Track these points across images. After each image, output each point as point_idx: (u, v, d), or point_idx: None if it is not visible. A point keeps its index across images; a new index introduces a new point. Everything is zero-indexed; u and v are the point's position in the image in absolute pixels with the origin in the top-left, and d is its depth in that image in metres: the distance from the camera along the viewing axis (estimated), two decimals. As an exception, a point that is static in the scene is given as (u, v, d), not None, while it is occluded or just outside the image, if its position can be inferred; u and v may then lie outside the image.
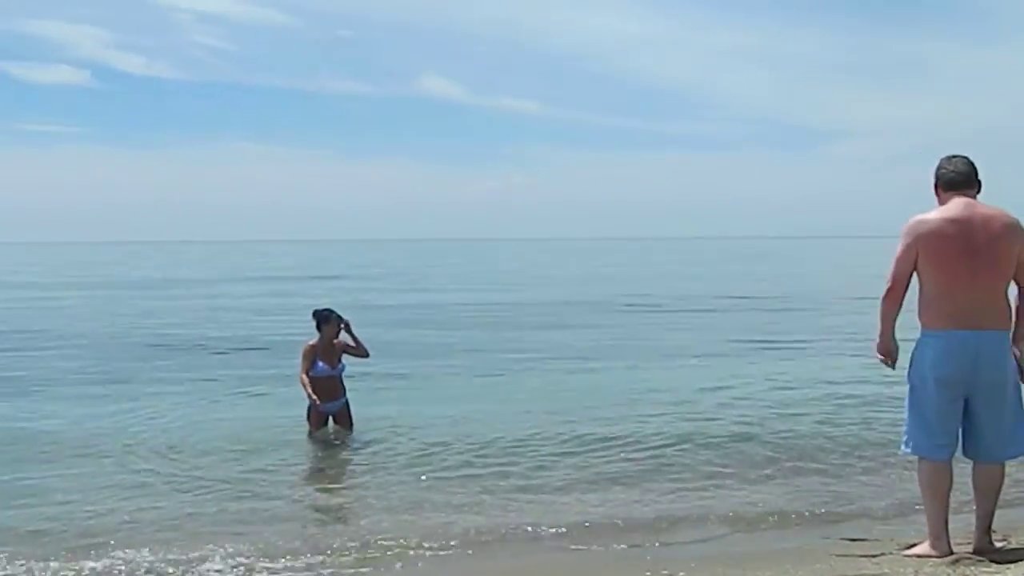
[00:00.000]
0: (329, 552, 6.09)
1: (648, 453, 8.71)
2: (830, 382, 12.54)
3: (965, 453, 5.28)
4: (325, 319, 9.24)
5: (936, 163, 5.30)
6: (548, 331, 20.69)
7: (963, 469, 5.32)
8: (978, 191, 5.21)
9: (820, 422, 9.97)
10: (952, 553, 5.13)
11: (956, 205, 5.11)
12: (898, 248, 5.16)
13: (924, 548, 5.27)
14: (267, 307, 26.92)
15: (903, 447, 5.40)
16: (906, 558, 5.26)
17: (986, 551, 5.18)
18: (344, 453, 9.08)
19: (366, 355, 9.46)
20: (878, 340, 5.38)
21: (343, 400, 9.42)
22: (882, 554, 5.49)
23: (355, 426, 9.45)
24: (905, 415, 5.35)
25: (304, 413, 9.35)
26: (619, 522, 6.68)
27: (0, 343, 18.25)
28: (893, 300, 5.21)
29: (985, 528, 5.27)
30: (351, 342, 9.35)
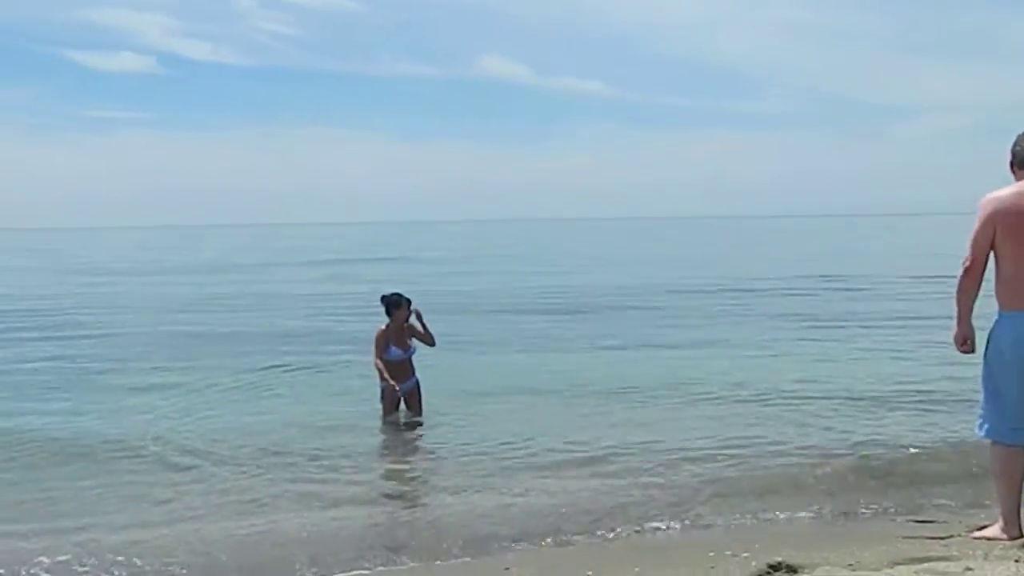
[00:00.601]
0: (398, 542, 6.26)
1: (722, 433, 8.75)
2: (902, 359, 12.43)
3: None
4: (396, 304, 9.48)
5: (1012, 139, 5.16)
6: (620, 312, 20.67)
7: None
8: None
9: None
10: (1022, 536, 5.08)
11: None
12: (975, 225, 5.05)
13: (994, 531, 5.22)
14: (333, 293, 27.00)
15: (978, 430, 5.34)
16: (975, 540, 5.23)
17: None
18: (414, 438, 9.25)
19: (432, 343, 9.64)
20: (955, 326, 5.27)
21: (413, 380, 9.64)
22: (950, 536, 5.46)
23: (425, 410, 9.66)
24: (981, 397, 5.28)
25: (378, 395, 9.62)
26: (676, 499, 6.77)
27: (73, 331, 18.50)
28: (972, 279, 5.10)
29: None
30: (420, 328, 9.56)
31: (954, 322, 5.27)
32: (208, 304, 24.33)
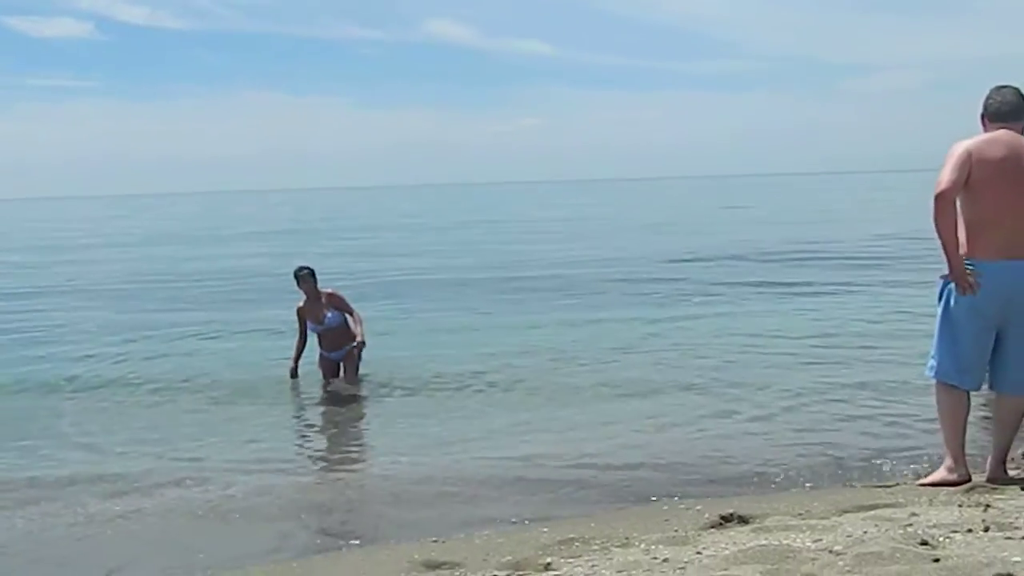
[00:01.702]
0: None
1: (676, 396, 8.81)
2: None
3: (991, 384, 5.30)
4: (295, 277, 9.44)
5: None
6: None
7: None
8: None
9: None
10: (970, 479, 5.20)
11: (1002, 135, 5.06)
12: (952, 159, 4.96)
13: (941, 475, 5.32)
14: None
15: (928, 371, 5.39)
16: (921, 487, 5.35)
17: (1000, 479, 5.23)
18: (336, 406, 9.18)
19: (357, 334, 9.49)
20: (949, 264, 5.07)
21: (348, 346, 9.47)
22: (896, 484, 5.59)
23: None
24: (934, 339, 5.31)
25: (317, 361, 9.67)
26: (626, 458, 6.80)
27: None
28: (947, 203, 4.94)
29: (1001, 458, 5.32)
30: (354, 314, 9.54)
31: (948, 253, 5.02)
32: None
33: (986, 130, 5.19)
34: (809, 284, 16.85)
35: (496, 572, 4.06)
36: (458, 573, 4.24)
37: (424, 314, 14.75)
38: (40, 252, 34.21)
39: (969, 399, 5.28)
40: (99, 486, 6.45)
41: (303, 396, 9.38)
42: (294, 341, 9.55)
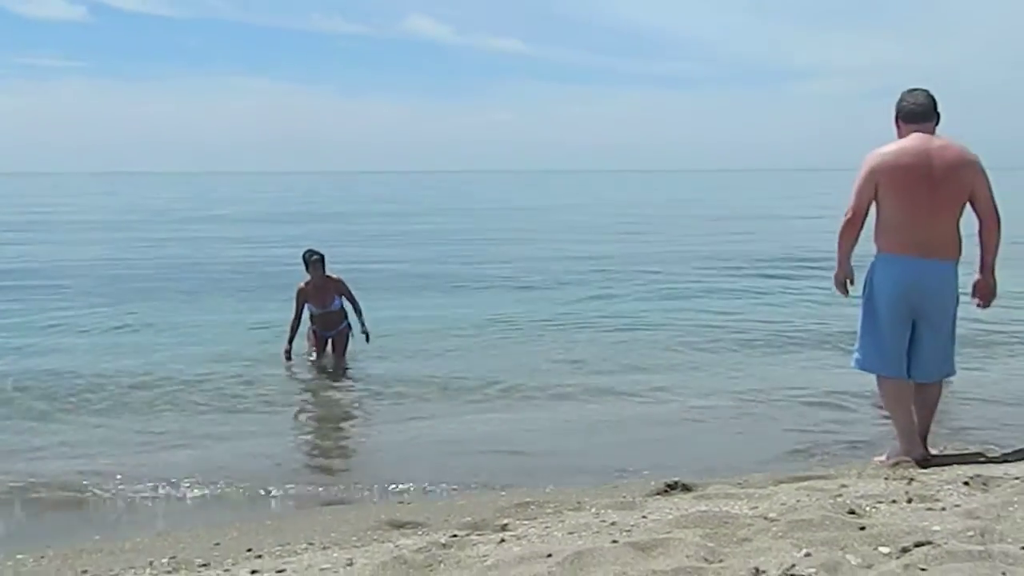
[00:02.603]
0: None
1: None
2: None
3: (908, 373, 5.28)
4: (305, 261, 9.20)
5: (891, 99, 5.21)
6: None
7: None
8: (936, 123, 5.13)
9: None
10: (927, 456, 5.21)
11: (914, 138, 5.06)
12: (858, 179, 5.10)
13: (897, 455, 5.28)
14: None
15: (853, 363, 5.44)
16: (850, 461, 5.41)
17: (927, 457, 5.26)
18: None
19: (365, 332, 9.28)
20: (837, 270, 5.33)
21: (342, 326, 9.36)
22: (829, 458, 5.66)
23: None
24: (857, 332, 5.36)
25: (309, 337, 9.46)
26: (585, 430, 6.83)
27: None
28: (853, 228, 5.18)
29: (923, 436, 5.36)
30: (357, 303, 9.33)
31: (839, 267, 5.31)
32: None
33: (900, 132, 5.18)
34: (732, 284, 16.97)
35: (456, 531, 4.06)
36: (421, 532, 4.23)
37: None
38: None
39: (910, 382, 5.29)
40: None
41: (294, 372, 9.09)
42: (288, 322, 9.20)
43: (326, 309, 9.27)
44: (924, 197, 4.96)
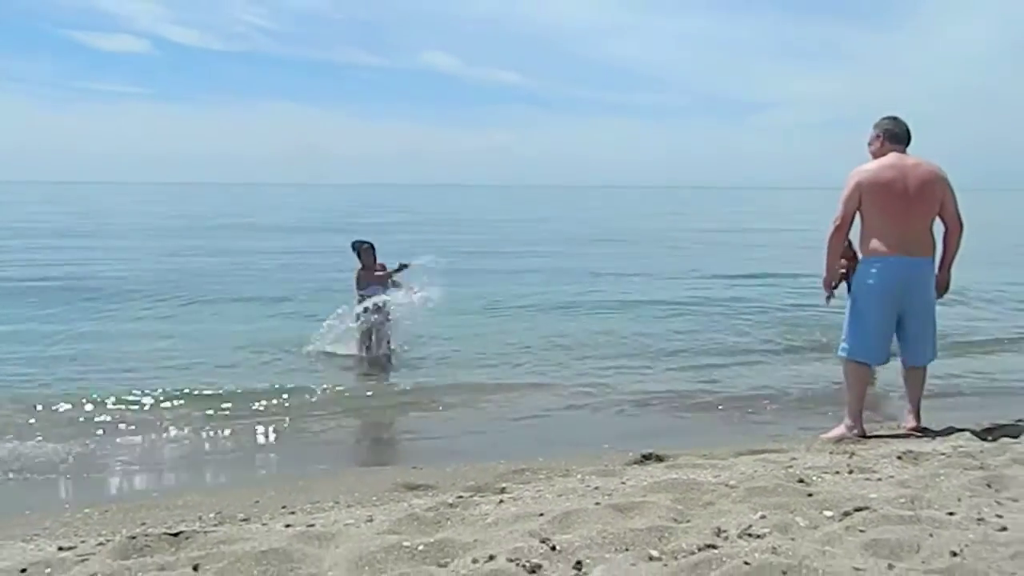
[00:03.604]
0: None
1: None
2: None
3: (902, 359, 5.33)
4: (354, 249, 8.87)
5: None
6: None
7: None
8: (907, 148, 5.22)
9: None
10: (865, 435, 5.24)
11: (891, 157, 5.13)
12: (844, 192, 5.14)
13: (840, 431, 5.34)
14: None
15: (839, 351, 5.42)
16: (799, 436, 5.41)
17: (916, 427, 5.35)
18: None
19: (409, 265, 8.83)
20: (825, 272, 5.39)
21: (385, 314, 8.71)
22: (780, 434, 5.65)
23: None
24: (845, 324, 5.35)
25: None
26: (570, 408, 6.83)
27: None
28: (840, 234, 5.24)
29: (916, 411, 5.41)
30: (398, 266, 8.81)
31: (827, 269, 5.37)
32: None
33: (879, 150, 5.22)
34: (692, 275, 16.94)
35: (461, 493, 4.06)
36: (431, 493, 4.23)
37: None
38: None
39: (873, 373, 5.34)
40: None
41: (335, 357, 8.74)
42: (355, 303, 8.72)
43: (377, 295, 8.68)
44: (902, 206, 5.03)
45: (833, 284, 5.45)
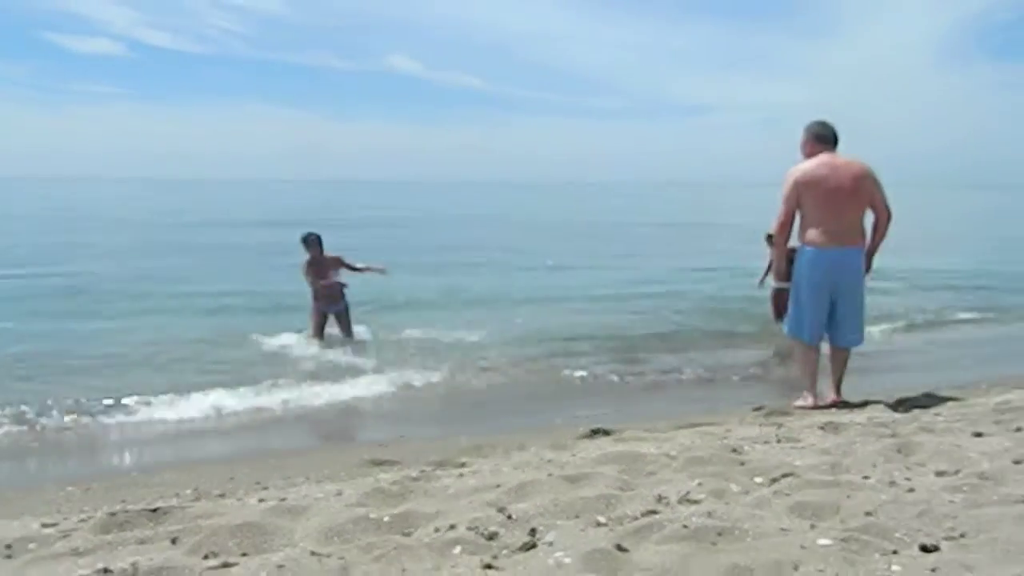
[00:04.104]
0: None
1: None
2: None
3: (831, 341, 5.47)
4: (303, 241, 8.68)
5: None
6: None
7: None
8: (836, 146, 5.34)
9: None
10: (816, 405, 5.39)
11: (824, 156, 5.26)
12: (784, 191, 5.29)
13: (801, 402, 5.49)
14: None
15: (785, 329, 5.65)
16: (732, 411, 5.48)
17: (838, 403, 5.46)
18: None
19: (380, 271, 8.90)
20: (775, 267, 5.65)
21: (341, 304, 8.75)
22: (715, 410, 5.72)
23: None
24: (789, 308, 5.55)
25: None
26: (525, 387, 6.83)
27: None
28: (784, 229, 5.40)
29: (837, 388, 5.54)
30: (351, 264, 8.77)
31: (776, 263, 5.69)
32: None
33: (810, 150, 5.34)
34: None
35: (425, 468, 4.05)
36: (396, 468, 4.21)
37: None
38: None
39: (819, 350, 5.47)
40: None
41: (299, 344, 8.66)
42: (311, 281, 8.61)
43: (326, 282, 8.59)
44: (835, 200, 5.16)
45: (766, 274, 5.64)
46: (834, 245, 5.19)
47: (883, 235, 5.36)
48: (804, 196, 5.22)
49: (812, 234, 5.25)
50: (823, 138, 5.33)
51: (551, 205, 62.01)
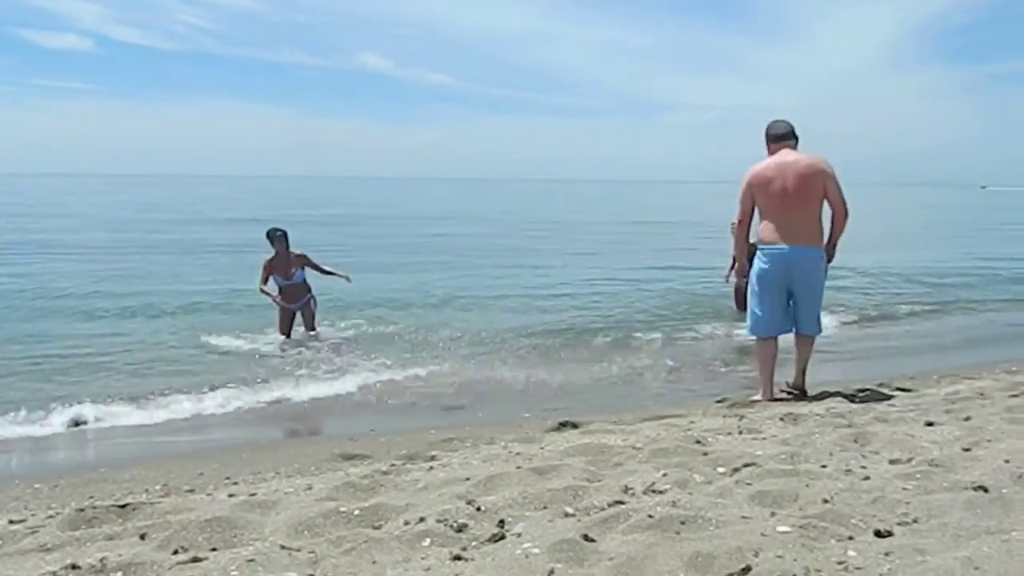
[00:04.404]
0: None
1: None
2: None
3: (795, 328, 5.51)
4: (269, 237, 8.48)
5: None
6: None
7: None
8: (796, 143, 5.37)
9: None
10: (775, 398, 5.44)
11: (776, 156, 5.30)
12: (740, 191, 5.36)
13: (759, 396, 5.52)
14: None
15: (746, 330, 5.69)
16: (696, 403, 5.56)
17: (799, 387, 5.57)
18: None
19: (345, 277, 8.74)
20: (738, 264, 5.65)
21: (306, 299, 8.64)
22: (681, 401, 5.79)
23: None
24: (749, 305, 5.57)
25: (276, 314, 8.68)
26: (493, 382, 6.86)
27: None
28: (743, 228, 5.47)
29: (801, 370, 5.61)
30: (318, 264, 8.60)
31: (737, 259, 5.72)
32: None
33: (769, 150, 5.40)
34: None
35: (395, 461, 4.05)
36: (367, 462, 4.20)
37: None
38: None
39: (776, 345, 5.51)
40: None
41: (269, 339, 8.58)
42: (258, 284, 8.47)
43: (290, 281, 8.47)
44: (782, 200, 5.21)
45: (731, 269, 5.69)
46: (783, 243, 5.24)
47: (840, 228, 5.39)
48: (756, 196, 5.30)
49: (763, 232, 5.33)
50: (778, 136, 5.39)
51: (512, 202, 62.02)
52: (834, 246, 5.46)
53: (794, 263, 5.27)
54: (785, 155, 5.29)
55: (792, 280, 5.33)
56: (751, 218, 5.40)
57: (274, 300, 8.48)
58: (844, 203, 5.32)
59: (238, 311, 10.26)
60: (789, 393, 5.56)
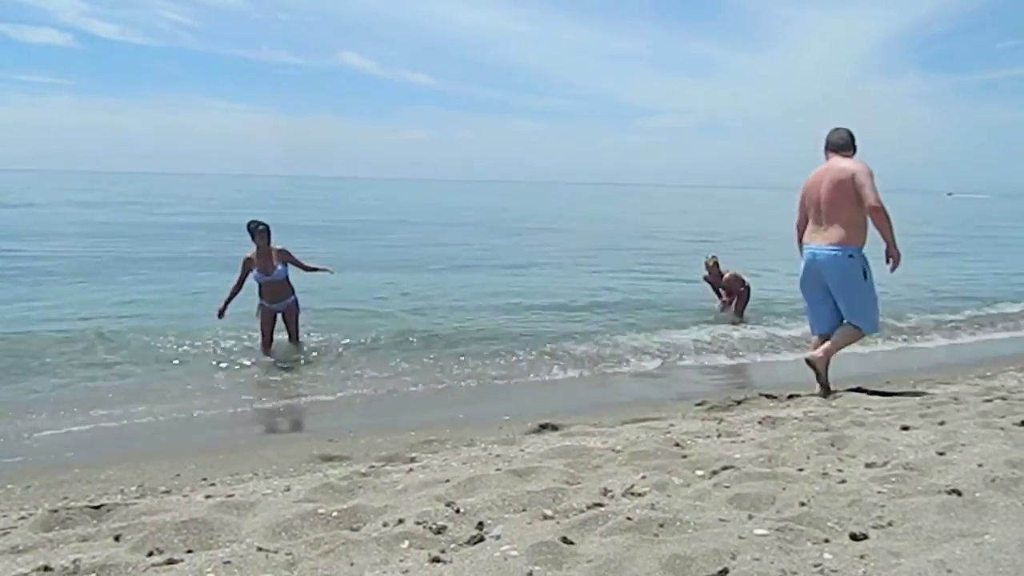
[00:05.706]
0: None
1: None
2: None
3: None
4: (250, 232, 7.94)
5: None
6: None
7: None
8: (854, 152, 5.59)
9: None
10: (825, 394, 5.62)
11: (824, 164, 5.60)
12: (798, 200, 5.71)
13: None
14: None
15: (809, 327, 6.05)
16: (677, 405, 5.58)
17: (810, 362, 5.74)
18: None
19: (328, 271, 8.43)
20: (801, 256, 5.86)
21: (289, 300, 8.12)
22: (663, 403, 5.81)
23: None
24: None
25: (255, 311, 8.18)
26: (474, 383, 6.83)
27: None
28: (798, 231, 5.78)
29: (826, 346, 5.74)
30: (297, 260, 8.15)
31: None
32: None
33: (826, 157, 5.66)
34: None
35: (374, 463, 4.02)
36: (346, 464, 4.17)
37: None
38: None
39: (821, 340, 5.78)
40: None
41: (248, 341, 8.31)
42: (231, 284, 7.94)
43: (270, 277, 7.91)
44: (817, 204, 5.55)
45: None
46: (811, 244, 5.60)
47: (881, 227, 5.47)
48: (804, 202, 5.66)
49: (805, 236, 5.71)
50: (830, 144, 5.67)
51: (490, 204, 62.02)
52: (891, 245, 5.54)
53: (820, 263, 5.58)
54: (832, 162, 5.56)
55: (824, 279, 5.62)
56: (806, 220, 5.69)
57: (225, 304, 7.92)
58: (877, 202, 5.34)
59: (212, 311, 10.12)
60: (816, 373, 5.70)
